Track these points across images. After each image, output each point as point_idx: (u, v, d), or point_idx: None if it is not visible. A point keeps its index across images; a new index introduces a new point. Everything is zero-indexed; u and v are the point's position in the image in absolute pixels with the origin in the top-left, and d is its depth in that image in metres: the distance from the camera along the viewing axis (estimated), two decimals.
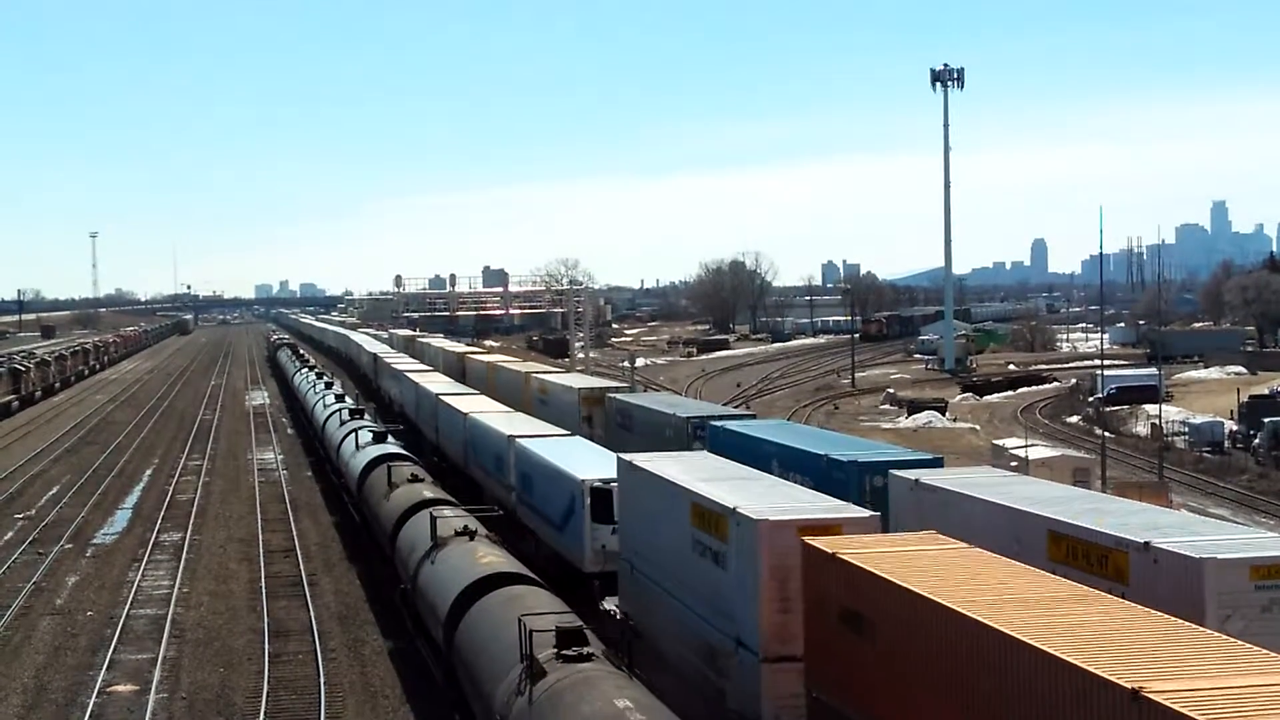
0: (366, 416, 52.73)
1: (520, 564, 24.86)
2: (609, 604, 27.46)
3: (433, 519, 27.31)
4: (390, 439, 43.64)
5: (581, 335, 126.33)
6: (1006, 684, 13.99)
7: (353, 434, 45.26)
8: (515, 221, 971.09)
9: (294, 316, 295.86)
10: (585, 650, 17.39)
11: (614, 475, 29.05)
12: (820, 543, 18.70)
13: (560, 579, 29.13)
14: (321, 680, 28.16)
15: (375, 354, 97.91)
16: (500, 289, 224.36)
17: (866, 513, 21.47)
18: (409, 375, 70.84)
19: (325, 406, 58.33)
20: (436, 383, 64.48)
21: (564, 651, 17.29)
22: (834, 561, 18.03)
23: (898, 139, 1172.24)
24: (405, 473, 35.40)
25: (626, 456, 27.72)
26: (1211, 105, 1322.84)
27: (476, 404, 52.06)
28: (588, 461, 33.81)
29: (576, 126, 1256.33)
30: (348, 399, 61.37)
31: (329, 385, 69.24)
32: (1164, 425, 69.87)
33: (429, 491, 32.73)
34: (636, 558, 26.23)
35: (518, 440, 39.09)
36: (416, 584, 26.52)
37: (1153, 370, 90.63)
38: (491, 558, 24.44)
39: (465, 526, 26.97)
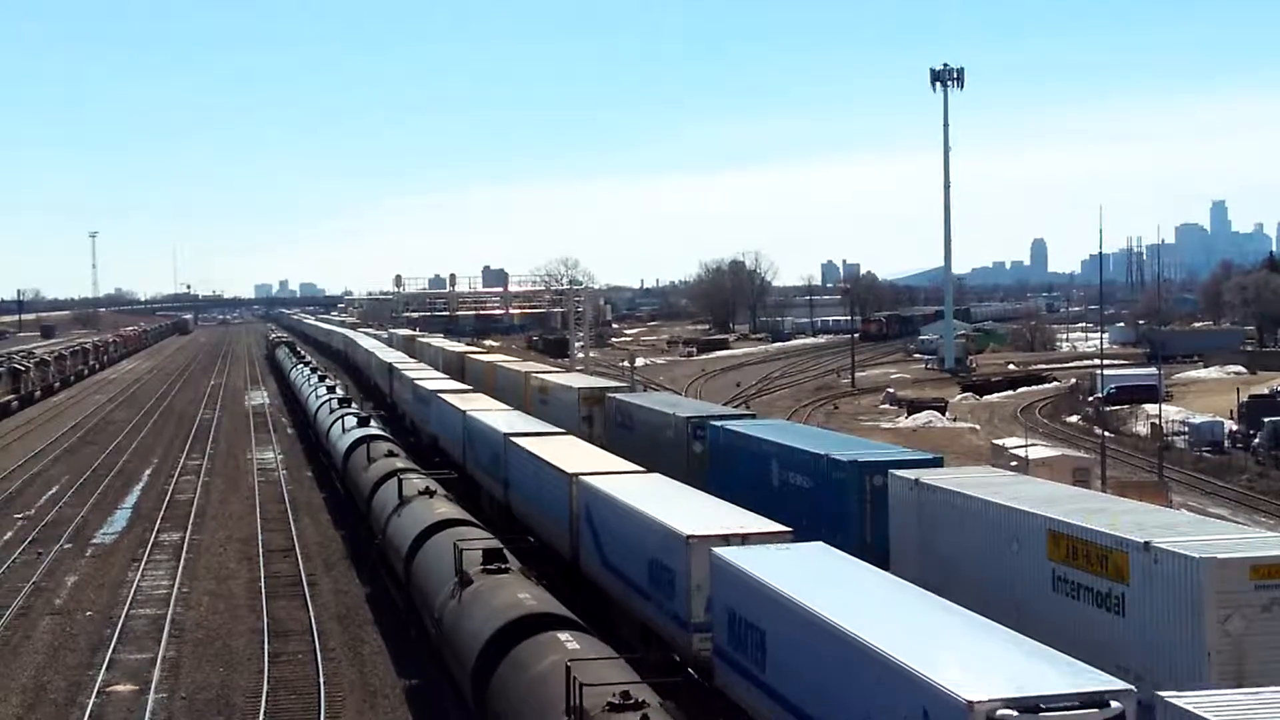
0: (354, 405, 57.40)
1: (467, 512, 30.68)
2: None
3: (400, 482, 32.89)
4: (372, 422, 49.29)
5: (581, 335, 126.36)
6: None
7: (340, 420, 50.86)
8: (515, 221, 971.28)
9: (295, 316, 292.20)
10: (504, 565, 23.08)
11: (1025, 689, 14.15)
12: None
13: None
14: (321, 680, 28.15)
15: (390, 364, 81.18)
16: (500, 289, 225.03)
17: None
18: (451, 401, 52.27)
19: (318, 398, 64.03)
20: (499, 415, 46.59)
21: (487, 566, 22.86)
22: None
23: (898, 139, 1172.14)
24: (383, 449, 41.17)
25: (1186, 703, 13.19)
26: (1211, 105, 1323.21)
27: (586, 458, 34.45)
28: (936, 636, 16.57)
29: (576, 126, 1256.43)
30: (339, 389, 66.83)
31: (322, 379, 74.16)
32: (1164, 425, 69.81)
33: (400, 463, 38.22)
34: None
35: (720, 554, 21.49)
36: (385, 535, 31.62)
37: (1152, 370, 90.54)
38: (445, 509, 30.11)
39: (426, 487, 32.65)
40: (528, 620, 19.73)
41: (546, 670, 17.48)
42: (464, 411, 47.84)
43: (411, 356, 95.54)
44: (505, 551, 23.88)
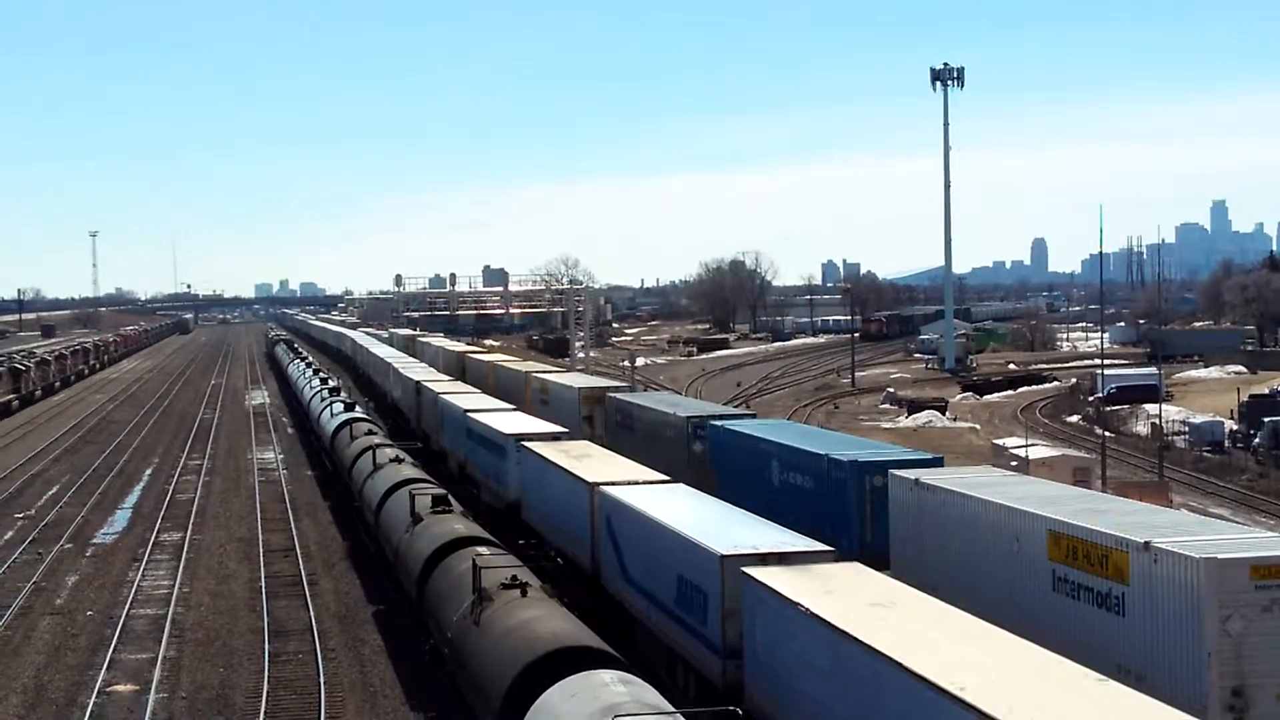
0: (342, 394, 63.24)
1: (426, 473, 36.93)
2: None
3: (374, 453, 39.35)
4: (357, 408, 55.91)
5: (582, 335, 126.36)
6: None
7: (328, 406, 57.41)
8: (515, 221, 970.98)
9: (299, 317, 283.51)
10: (448, 508, 29.77)
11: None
12: None
13: None
14: (321, 680, 28.16)
15: (419, 382, 63.74)
16: (500, 288, 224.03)
17: None
18: (561, 463, 33.44)
19: (311, 389, 70.10)
20: (685, 506, 27.21)
21: (435, 509, 29.47)
22: None
23: (898, 139, 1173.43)
24: (363, 429, 47.43)
25: None
26: (1211, 105, 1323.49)
27: (966, 651, 16.49)
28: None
29: (576, 126, 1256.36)
30: (330, 380, 72.01)
31: (316, 372, 79.13)
32: (1164, 425, 69.81)
33: (377, 439, 43.99)
34: None
35: None
36: (362, 493, 38.04)
37: (1153, 369, 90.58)
38: (408, 472, 36.14)
39: (397, 455, 39.21)
40: (457, 541, 26.30)
41: (465, 569, 23.23)
42: (593, 485, 29.98)
43: (412, 356, 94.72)
44: (449, 498, 31.06)
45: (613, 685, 16.36)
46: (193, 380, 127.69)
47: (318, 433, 59.21)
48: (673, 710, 15.95)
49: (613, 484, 29.71)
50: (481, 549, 24.90)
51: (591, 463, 33.66)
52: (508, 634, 19.54)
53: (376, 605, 33.78)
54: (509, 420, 44.66)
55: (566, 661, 17.70)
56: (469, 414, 47.16)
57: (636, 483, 30.17)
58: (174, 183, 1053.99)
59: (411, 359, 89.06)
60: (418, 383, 64.09)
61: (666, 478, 31.54)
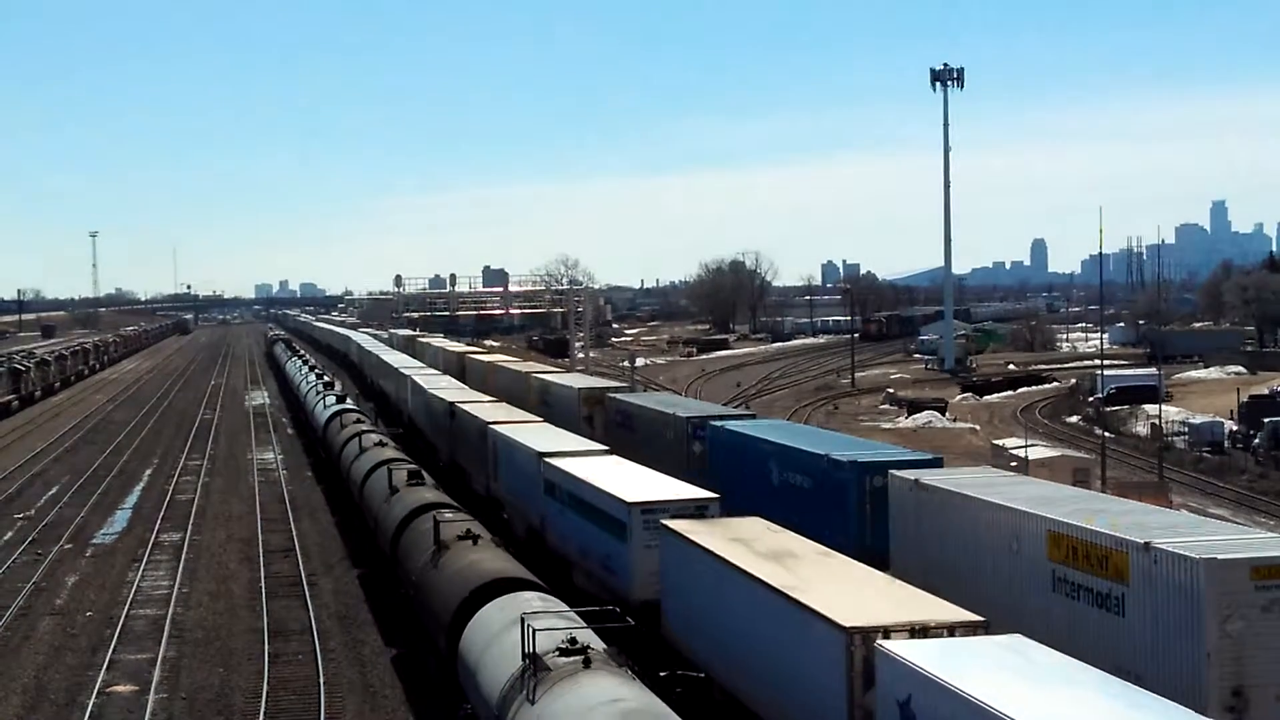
0: (336, 386, 69.57)
1: (404, 454, 42.15)
2: None
3: (361, 438, 44.83)
4: (347, 400, 61.88)
5: (581, 335, 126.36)
6: None
7: (321, 398, 63.27)
8: (515, 221, 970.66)
9: (301, 318, 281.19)
10: (421, 481, 35.01)
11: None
12: None
13: None
14: (321, 680, 28.16)
15: (452, 405, 50.96)
16: (500, 289, 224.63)
17: None
18: (727, 558, 21.85)
19: (308, 384, 75.94)
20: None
21: (410, 482, 34.60)
22: None
23: (898, 139, 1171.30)
24: (351, 418, 52.91)
25: None
26: (1211, 105, 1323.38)
27: None
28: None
29: (576, 126, 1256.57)
30: (325, 376, 77.33)
31: (312, 368, 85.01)
32: (1164, 425, 69.81)
33: (364, 426, 49.97)
34: None
35: None
36: (349, 472, 43.13)
37: (1152, 370, 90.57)
38: (389, 452, 41.52)
39: (380, 439, 44.83)
40: (425, 506, 31.05)
41: (429, 527, 28.06)
42: (853, 634, 17.46)
43: (414, 357, 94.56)
44: (423, 473, 36.53)
45: (532, 601, 21.57)
46: (192, 380, 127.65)
47: (312, 423, 64.56)
48: (567, 608, 20.85)
49: (890, 629, 17.01)
50: (448, 512, 29.98)
51: (807, 571, 20.67)
52: (459, 572, 24.77)
53: (377, 608, 33.99)
54: (619, 476, 30.83)
55: (501, 588, 22.92)
56: (548, 461, 34.05)
57: (929, 628, 17.23)
58: (174, 183, 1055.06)
59: (436, 371, 76.12)
60: (452, 404, 50.95)
61: (978, 618, 18.08)
